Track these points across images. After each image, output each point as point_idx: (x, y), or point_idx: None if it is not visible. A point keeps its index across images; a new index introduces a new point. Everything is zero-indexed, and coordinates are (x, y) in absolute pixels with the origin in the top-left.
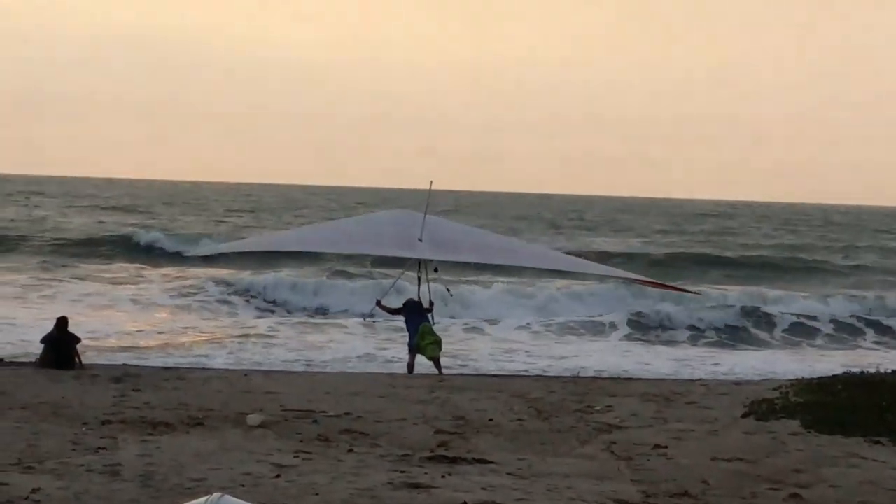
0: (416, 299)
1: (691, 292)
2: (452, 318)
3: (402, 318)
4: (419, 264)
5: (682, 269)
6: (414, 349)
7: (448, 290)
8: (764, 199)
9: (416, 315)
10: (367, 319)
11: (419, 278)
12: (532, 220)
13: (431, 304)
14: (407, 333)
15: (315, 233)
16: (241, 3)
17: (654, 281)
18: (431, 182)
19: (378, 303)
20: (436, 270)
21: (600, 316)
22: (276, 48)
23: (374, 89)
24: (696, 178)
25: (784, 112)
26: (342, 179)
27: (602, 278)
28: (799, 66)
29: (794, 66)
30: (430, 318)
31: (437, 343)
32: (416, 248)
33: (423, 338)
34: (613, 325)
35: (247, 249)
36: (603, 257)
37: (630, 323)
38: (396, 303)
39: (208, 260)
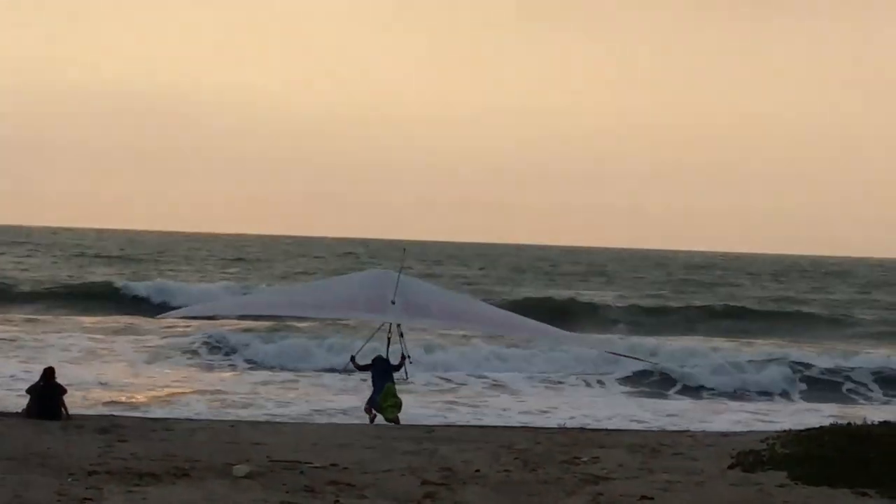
0: (385, 356)
1: (650, 362)
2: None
3: (370, 373)
4: (390, 324)
5: (686, 319)
6: (375, 405)
7: (408, 356)
8: (752, 251)
9: (381, 373)
10: (342, 374)
11: (388, 338)
12: (525, 271)
13: (403, 358)
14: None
15: (286, 296)
16: (230, 56)
17: (614, 352)
18: (405, 249)
19: (352, 358)
20: (401, 336)
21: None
22: (269, 100)
23: (368, 139)
24: (685, 230)
25: (775, 165)
26: (335, 231)
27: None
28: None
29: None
30: (403, 372)
31: (398, 405)
32: (388, 311)
33: (385, 399)
34: (613, 377)
35: (217, 313)
36: (595, 308)
37: (630, 377)
38: (369, 359)
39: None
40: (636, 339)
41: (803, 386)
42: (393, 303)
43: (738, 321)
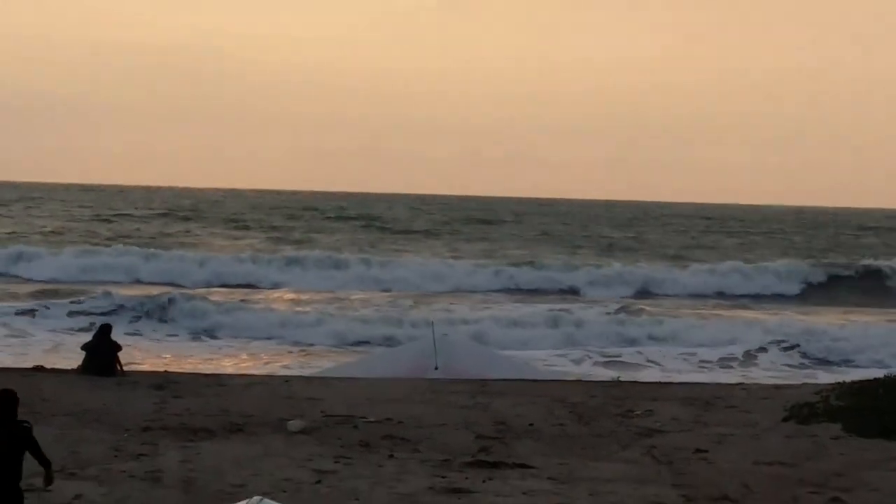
0: None
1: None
2: None
3: None
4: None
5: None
6: None
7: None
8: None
9: None
10: None
11: None
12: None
13: None
14: None
15: (349, 368)
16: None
17: None
18: (433, 322)
19: None
20: (436, 368)
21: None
22: (269, 51)
23: (382, 93)
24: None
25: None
26: (351, 186)
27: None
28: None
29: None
30: None
31: None
32: (433, 375)
33: None
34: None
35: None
36: None
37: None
38: None
39: None
40: None
41: None
42: (436, 369)
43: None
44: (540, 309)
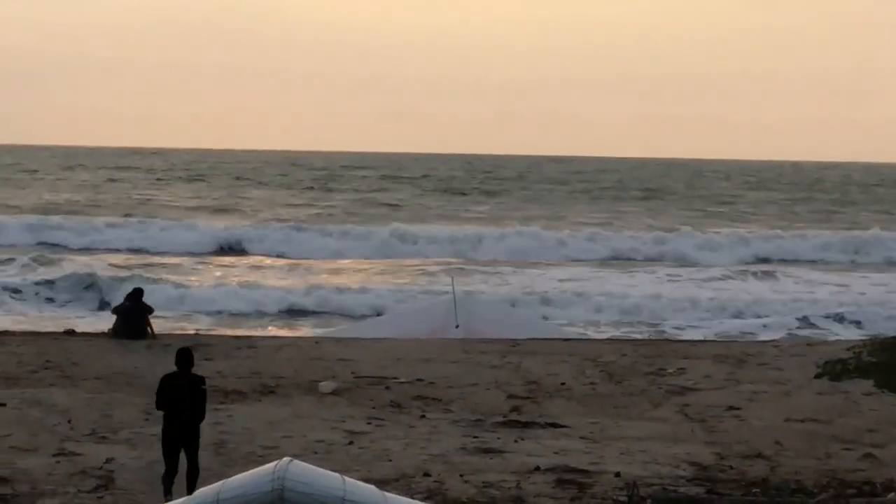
0: None
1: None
2: None
3: None
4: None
5: None
6: None
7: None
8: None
9: None
10: None
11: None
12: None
13: None
14: None
15: (371, 325)
16: None
17: None
18: (453, 278)
19: None
20: (457, 327)
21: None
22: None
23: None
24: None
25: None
26: (390, 146)
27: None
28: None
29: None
30: None
31: None
32: (452, 333)
33: None
34: None
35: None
36: None
37: None
38: None
39: None
40: None
41: None
42: (457, 327)
43: None
44: None
